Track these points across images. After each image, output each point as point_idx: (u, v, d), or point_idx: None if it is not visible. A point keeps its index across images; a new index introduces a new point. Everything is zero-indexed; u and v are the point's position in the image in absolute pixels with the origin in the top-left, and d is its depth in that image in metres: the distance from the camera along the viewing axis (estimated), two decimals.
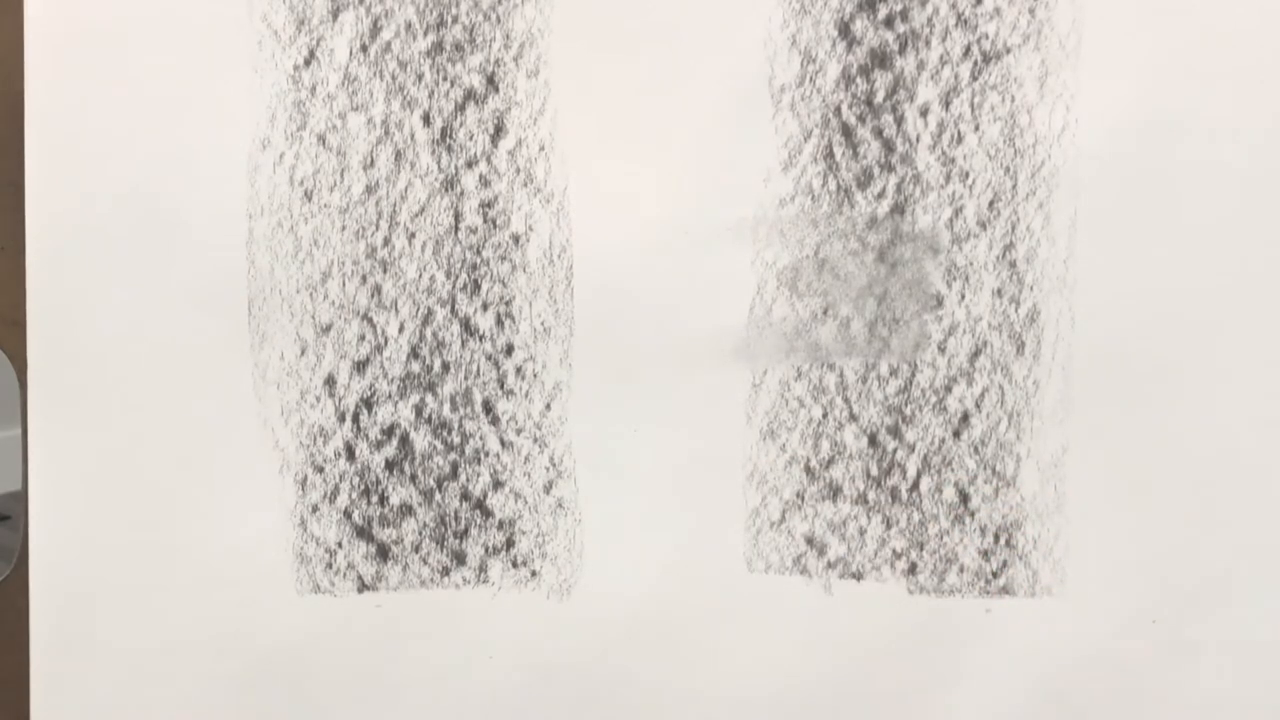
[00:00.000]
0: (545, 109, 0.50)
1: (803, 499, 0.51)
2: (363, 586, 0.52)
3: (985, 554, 0.51)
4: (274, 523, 0.51)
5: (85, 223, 0.50)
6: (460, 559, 0.52)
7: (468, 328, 0.51)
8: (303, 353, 0.51)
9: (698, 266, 0.50)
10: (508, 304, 0.51)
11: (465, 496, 0.51)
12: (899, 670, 0.52)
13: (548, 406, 0.51)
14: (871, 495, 0.51)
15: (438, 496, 0.51)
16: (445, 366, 0.51)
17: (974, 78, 0.49)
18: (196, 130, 0.49)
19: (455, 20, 0.50)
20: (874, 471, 0.51)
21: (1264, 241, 0.49)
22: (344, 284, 0.50)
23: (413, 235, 0.50)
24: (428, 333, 0.51)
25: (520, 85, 0.50)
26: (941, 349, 0.50)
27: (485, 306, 0.51)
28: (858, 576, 0.51)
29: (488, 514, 0.52)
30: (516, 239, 0.50)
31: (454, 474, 0.51)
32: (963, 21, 0.49)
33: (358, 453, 0.51)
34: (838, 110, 0.50)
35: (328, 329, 0.51)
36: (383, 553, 0.52)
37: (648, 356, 0.50)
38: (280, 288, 0.50)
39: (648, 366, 0.50)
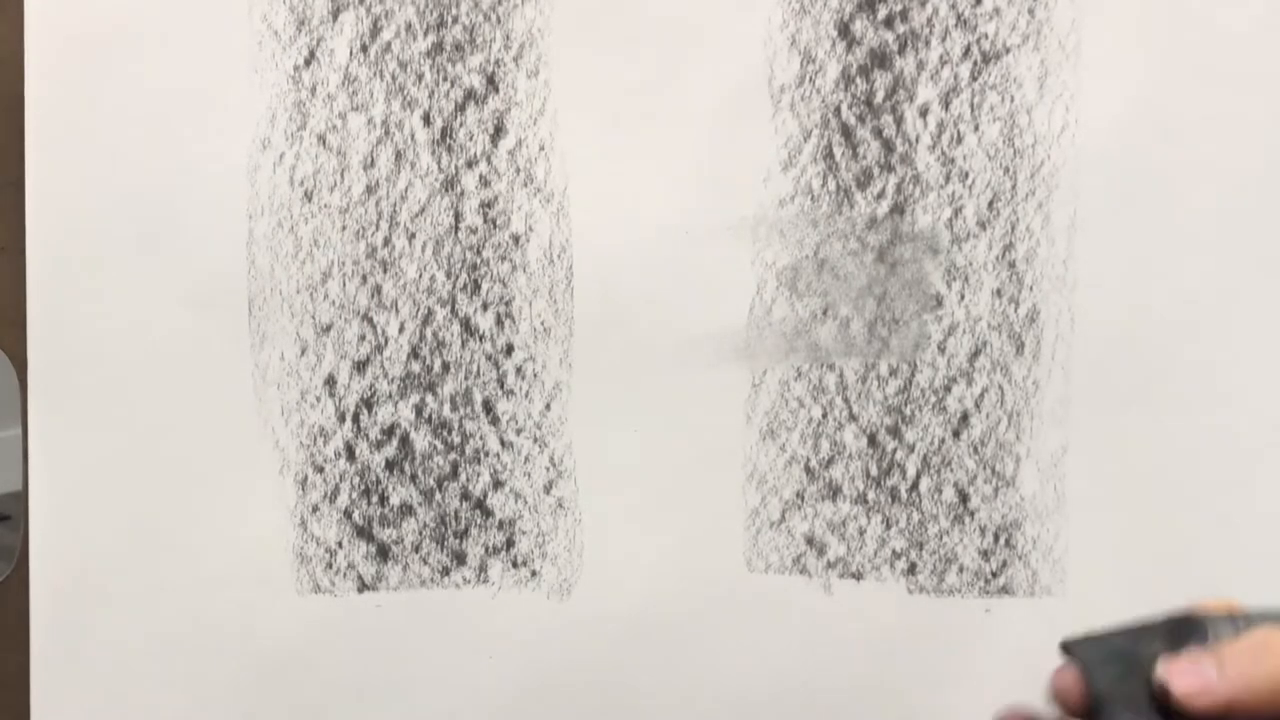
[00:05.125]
0: (545, 109, 0.50)
1: (803, 499, 0.51)
2: (363, 586, 0.52)
3: (985, 554, 0.51)
4: (274, 523, 0.51)
5: (85, 223, 0.50)
6: (460, 559, 0.52)
7: (468, 328, 0.51)
8: (303, 353, 0.51)
9: (698, 266, 0.50)
10: (508, 304, 0.51)
11: (465, 496, 0.51)
12: (899, 670, 0.52)
13: (548, 406, 0.51)
14: (871, 495, 0.51)
15: (438, 496, 0.51)
16: (445, 366, 0.51)
17: (974, 78, 0.49)
18: (196, 130, 0.49)
19: (455, 20, 0.50)
20: (874, 471, 0.51)
21: (1263, 241, 0.49)
22: (344, 284, 0.50)
23: (413, 235, 0.50)
24: (428, 333, 0.51)
25: (520, 85, 0.50)
26: (941, 349, 0.50)
27: (485, 306, 0.51)
28: (858, 576, 0.51)
29: (488, 514, 0.52)
30: (516, 239, 0.50)
31: (454, 474, 0.51)
32: (962, 22, 0.49)
33: (358, 453, 0.51)
34: (837, 110, 0.50)
35: (328, 329, 0.51)
36: (383, 553, 0.52)
37: (648, 356, 0.50)
38: (280, 288, 0.50)
39: (648, 366, 0.50)
